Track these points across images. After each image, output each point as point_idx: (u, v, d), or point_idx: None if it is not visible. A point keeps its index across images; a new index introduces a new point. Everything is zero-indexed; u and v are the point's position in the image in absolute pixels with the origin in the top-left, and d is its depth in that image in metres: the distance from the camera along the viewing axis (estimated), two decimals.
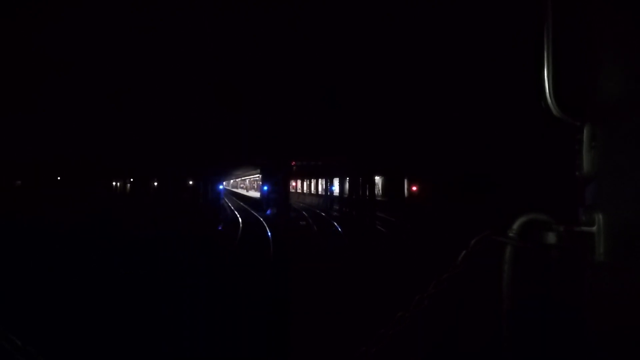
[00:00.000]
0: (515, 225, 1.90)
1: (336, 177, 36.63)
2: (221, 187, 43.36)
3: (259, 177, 46.23)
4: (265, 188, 29.70)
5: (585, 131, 1.89)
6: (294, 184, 51.42)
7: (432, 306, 1.83)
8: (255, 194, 51.33)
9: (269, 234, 17.50)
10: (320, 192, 45.73)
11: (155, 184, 23.32)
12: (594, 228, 1.81)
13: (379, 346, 1.78)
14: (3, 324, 1.69)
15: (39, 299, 9.72)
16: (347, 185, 30.80)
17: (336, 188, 38.26)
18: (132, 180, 23.48)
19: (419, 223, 18.38)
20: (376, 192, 30.24)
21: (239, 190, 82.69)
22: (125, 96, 16.14)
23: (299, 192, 52.40)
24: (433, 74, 12.29)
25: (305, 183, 50.97)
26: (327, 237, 17.71)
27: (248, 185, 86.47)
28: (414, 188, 26.18)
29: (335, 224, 20.82)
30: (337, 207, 31.93)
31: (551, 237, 1.86)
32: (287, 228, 19.62)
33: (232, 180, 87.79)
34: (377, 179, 32.34)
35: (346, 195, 30.82)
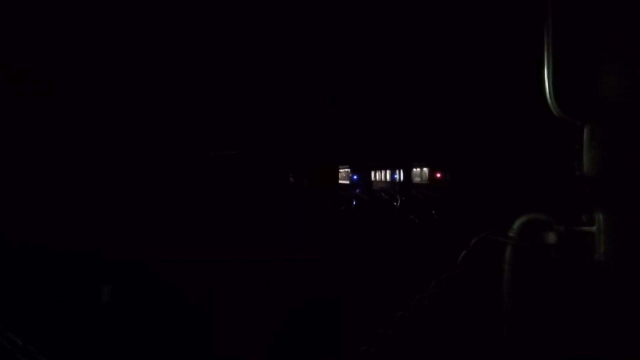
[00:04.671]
0: (516, 225, 1.78)
1: (396, 168, 50.96)
2: None
3: (342, 170, 61.53)
4: (355, 177, 50.19)
5: (585, 131, 1.75)
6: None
7: (432, 306, 1.82)
8: (342, 181, 59.12)
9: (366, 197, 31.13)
10: (387, 179, 57.90)
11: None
12: (594, 228, 1.70)
13: (378, 345, 1.77)
14: (3, 324, 1.67)
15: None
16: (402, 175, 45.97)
17: (397, 176, 51.25)
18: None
19: (439, 194, 30.16)
20: (424, 177, 47.68)
21: None
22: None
23: (372, 180, 60.65)
24: (438, 78, 12.13)
25: (376, 173, 61.25)
26: (392, 199, 29.77)
27: None
28: (439, 175, 39.98)
29: (397, 196, 33.47)
30: (397, 189, 45.18)
31: (551, 237, 1.74)
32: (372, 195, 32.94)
33: None
34: (425, 169, 47.64)
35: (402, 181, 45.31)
